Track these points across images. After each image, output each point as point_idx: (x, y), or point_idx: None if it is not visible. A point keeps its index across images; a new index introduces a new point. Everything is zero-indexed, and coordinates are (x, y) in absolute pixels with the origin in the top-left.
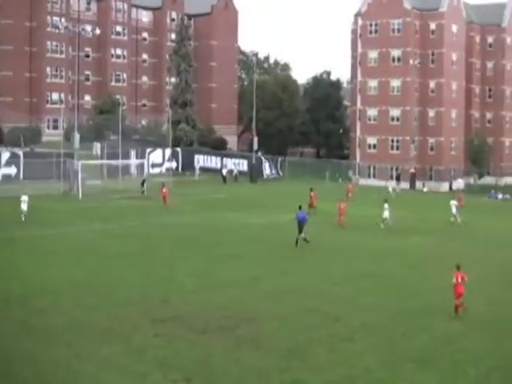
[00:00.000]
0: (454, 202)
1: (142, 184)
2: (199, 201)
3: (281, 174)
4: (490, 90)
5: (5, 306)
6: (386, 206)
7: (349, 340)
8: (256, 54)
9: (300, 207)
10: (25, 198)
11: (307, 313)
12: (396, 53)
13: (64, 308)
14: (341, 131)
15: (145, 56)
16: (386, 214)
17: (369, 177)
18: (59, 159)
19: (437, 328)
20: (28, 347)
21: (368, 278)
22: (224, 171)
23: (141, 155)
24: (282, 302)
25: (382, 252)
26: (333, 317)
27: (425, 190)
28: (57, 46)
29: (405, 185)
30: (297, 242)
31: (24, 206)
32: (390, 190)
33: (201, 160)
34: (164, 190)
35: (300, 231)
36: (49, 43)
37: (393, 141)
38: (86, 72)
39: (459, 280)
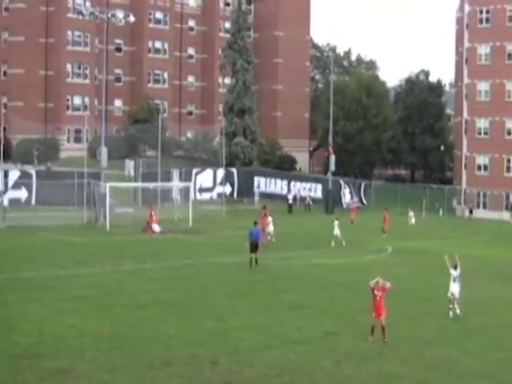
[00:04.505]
0: (336, 223)
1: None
2: None
3: (365, 202)
4: None
5: (10, 366)
6: (336, 223)
7: None
8: (334, 49)
9: (255, 223)
10: (336, 222)
11: (394, 380)
12: None
13: (85, 369)
14: (442, 148)
15: (191, 50)
16: (337, 231)
17: (478, 207)
18: (82, 180)
19: None
20: None
21: (471, 335)
22: (290, 197)
23: (185, 177)
24: (362, 365)
25: (485, 303)
26: None
27: None
28: (80, 36)
29: None
30: (251, 263)
31: (337, 230)
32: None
33: (262, 183)
34: (153, 213)
35: (252, 250)
36: (70, 33)
37: (509, 160)
38: (117, 70)
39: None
